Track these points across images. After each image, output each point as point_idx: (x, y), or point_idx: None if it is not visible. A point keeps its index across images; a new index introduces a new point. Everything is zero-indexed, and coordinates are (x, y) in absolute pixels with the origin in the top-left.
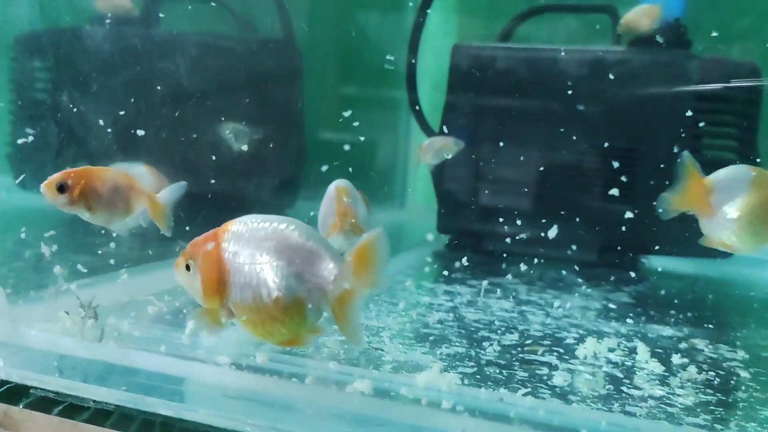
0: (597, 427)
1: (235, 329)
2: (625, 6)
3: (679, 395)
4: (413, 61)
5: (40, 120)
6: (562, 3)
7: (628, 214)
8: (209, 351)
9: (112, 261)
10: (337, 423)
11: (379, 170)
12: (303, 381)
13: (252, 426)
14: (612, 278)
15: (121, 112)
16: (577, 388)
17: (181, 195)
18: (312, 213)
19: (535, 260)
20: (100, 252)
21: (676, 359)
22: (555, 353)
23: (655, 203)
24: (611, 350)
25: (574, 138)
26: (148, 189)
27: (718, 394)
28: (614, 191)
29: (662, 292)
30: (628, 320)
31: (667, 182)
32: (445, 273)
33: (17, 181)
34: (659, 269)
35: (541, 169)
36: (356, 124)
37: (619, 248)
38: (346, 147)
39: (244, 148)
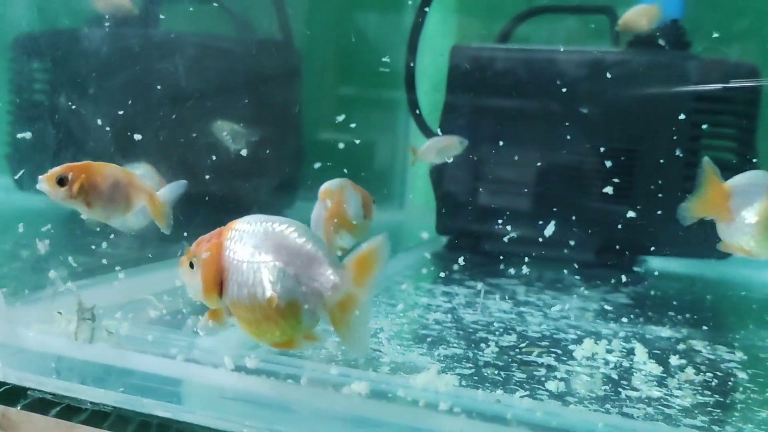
0: (594, 429)
1: (232, 331)
2: (623, 7)
3: (676, 396)
4: (411, 63)
5: (39, 121)
6: (560, 4)
7: (627, 215)
8: (207, 353)
9: (109, 262)
10: (334, 424)
11: (378, 171)
12: (300, 383)
13: (249, 428)
14: (610, 279)
15: (120, 113)
16: (574, 390)
17: (180, 193)
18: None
19: (534, 261)
20: (97, 253)
21: (674, 360)
22: (553, 354)
23: (653, 202)
24: (609, 351)
25: (573, 139)
26: (148, 186)
27: (716, 396)
28: (613, 192)
29: (660, 293)
30: (626, 321)
31: (665, 183)
32: (443, 274)
33: (16, 177)
34: (657, 270)
35: (540, 169)
36: (353, 125)
37: (617, 249)
38: (345, 148)
39: (241, 149)
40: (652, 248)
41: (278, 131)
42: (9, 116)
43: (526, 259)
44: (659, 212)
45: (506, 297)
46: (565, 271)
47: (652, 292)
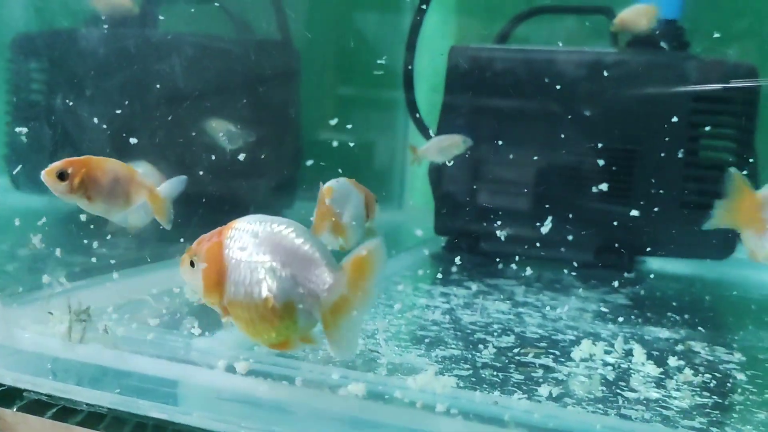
0: (592, 431)
1: (228, 332)
2: (622, 7)
3: (675, 398)
4: (410, 64)
5: (37, 121)
6: (559, 4)
7: (626, 215)
8: (203, 354)
9: (106, 263)
10: (331, 426)
11: (376, 171)
12: (297, 384)
13: (245, 429)
14: (609, 280)
15: (118, 114)
16: (572, 391)
17: (181, 189)
18: (312, 217)
19: (533, 262)
20: (95, 254)
21: (672, 361)
22: (551, 356)
23: (652, 203)
24: (607, 352)
25: (572, 139)
26: (149, 182)
27: (715, 397)
28: (611, 192)
29: (659, 293)
30: (625, 322)
31: (664, 183)
32: (441, 275)
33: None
34: (656, 271)
35: (539, 170)
36: (350, 126)
37: (616, 249)
38: (344, 148)
39: (237, 148)
40: (651, 249)
41: (277, 132)
42: (7, 117)
43: (525, 260)
44: (658, 213)
45: (504, 298)
46: (564, 271)
47: (651, 293)
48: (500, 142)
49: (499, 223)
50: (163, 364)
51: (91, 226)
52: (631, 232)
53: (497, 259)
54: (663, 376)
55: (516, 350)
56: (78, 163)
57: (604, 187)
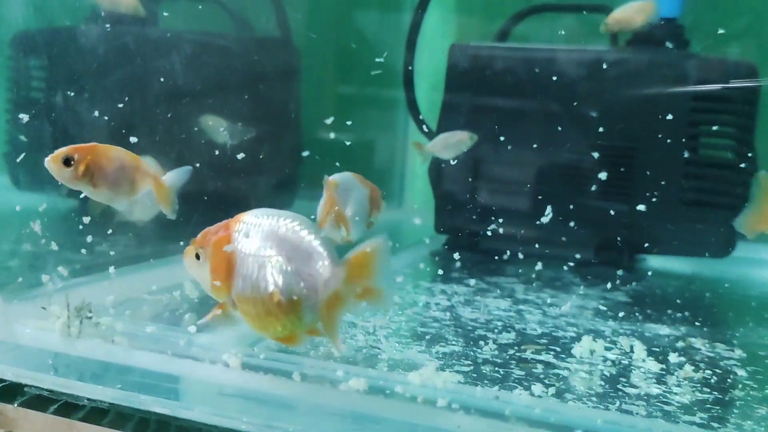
0: (593, 425)
1: (230, 327)
2: (621, 5)
3: (676, 393)
4: (410, 64)
5: (38, 119)
6: (558, 2)
7: (625, 213)
8: (205, 349)
9: (107, 260)
10: (332, 421)
11: (377, 169)
12: (298, 379)
13: (247, 424)
14: (609, 277)
15: (118, 112)
16: (573, 387)
17: (186, 179)
18: (312, 216)
19: (533, 259)
20: (95, 251)
21: (673, 358)
22: (552, 352)
23: (652, 201)
24: (608, 349)
25: (572, 137)
26: (154, 170)
27: (715, 393)
28: (611, 190)
29: (659, 291)
30: (625, 319)
31: (664, 181)
32: (441, 273)
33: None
34: (656, 268)
35: (539, 168)
36: (350, 123)
37: (616, 247)
38: (344, 146)
39: (234, 143)
40: (651, 246)
41: (277, 130)
42: (7, 114)
43: (525, 257)
44: (658, 211)
45: (505, 295)
46: (564, 269)
47: (651, 291)
48: (500, 140)
49: (499, 221)
50: (165, 359)
51: (92, 224)
52: (631, 229)
53: (497, 257)
54: (663, 372)
55: (517, 347)
56: (83, 150)
57: (603, 185)
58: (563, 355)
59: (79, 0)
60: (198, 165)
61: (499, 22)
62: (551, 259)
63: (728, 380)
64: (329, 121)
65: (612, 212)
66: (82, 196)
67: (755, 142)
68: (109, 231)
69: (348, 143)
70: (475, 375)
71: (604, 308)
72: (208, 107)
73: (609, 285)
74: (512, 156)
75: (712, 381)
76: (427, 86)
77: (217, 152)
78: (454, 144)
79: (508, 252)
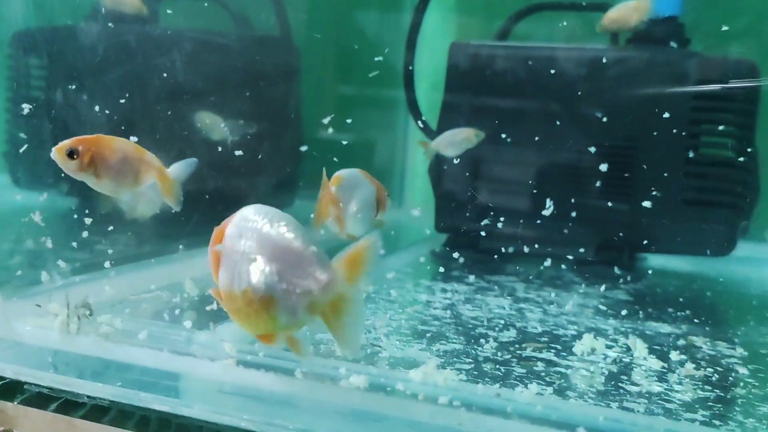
0: (595, 422)
1: (229, 325)
2: (617, 4)
3: (677, 391)
4: (410, 64)
5: (38, 118)
6: (559, 1)
7: (626, 212)
8: (204, 347)
9: (107, 258)
10: (333, 418)
11: (377, 168)
12: (299, 376)
13: (248, 421)
14: (610, 276)
15: (118, 110)
16: (575, 384)
17: (191, 172)
18: (311, 215)
19: (533, 258)
20: (95, 249)
21: (674, 356)
22: (553, 350)
23: (653, 199)
24: (609, 347)
25: (572, 136)
26: (158, 162)
27: (717, 391)
28: (612, 189)
29: (660, 289)
30: (626, 317)
31: (664, 180)
32: (441, 272)
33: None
34: (657, 267)
35: (539, 167)
36: (350, 121)
37: (616, 246)
38: (345, 146)
39: (234, 139)
40: (652, 245)
41: (277, 129)
42: (7, 114)
43: (526, 256)
44: (659, 209)
45: (505, 294)
46: (565, 267)
47: (652, 289)
48: (500, 139)
49: (499, 220)
50: (165, 357)
51: (92, 222)
52: (631, 228)
53: (498, 256)
54: (665, 370)
55: (518, 345)
56: (88, 141)
57: (604, 184)
58: (564, 353)
59: None
60: (198, 165)
61: (499, 22)
62: (552, 257)
63: (729, 378)
64: (327, 120)
65: (612, 211)
66: (82, 195)
67: (756, 141)
68: (110, 228)
69: (348, 142)
70: (476, 373)
71: (605, 307)
72: (207, 106)
73: (610, 283)
74: (513, 155)
75: (714, 379)
76: (427, 86)
77: (217, 151)
78: (459, 141)
79: (509, 251)
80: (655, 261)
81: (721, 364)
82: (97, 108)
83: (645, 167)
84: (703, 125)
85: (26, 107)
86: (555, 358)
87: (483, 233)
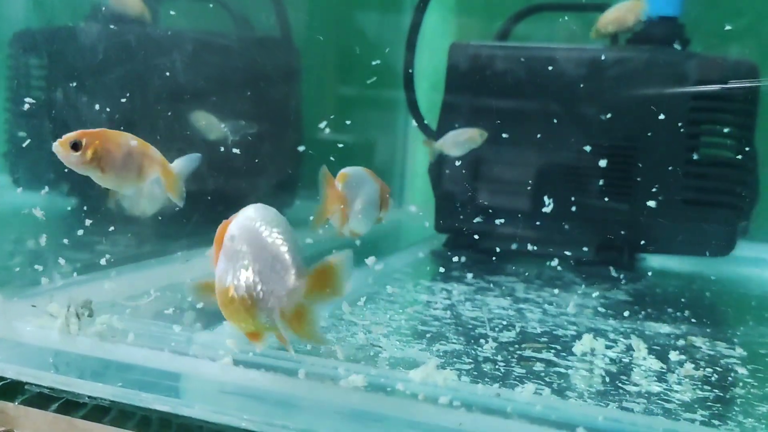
0: (594, 422)
1: (230, 325)
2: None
3: (676, 391)
4: (410, 65)
5: (38, 118)
6: (558, 1)
7: (626, 213)
8: (205, 347)
9: (107, 258)
10: (333, 418)
11: (377, 169)
12: (299, 376)
13: (248, 421)
14: (609, 276)
15: (118, 110)
16: (574, 384)
17: (194, 167)
18: (312, 215)
19: (533, 258)
20: (95, 249)
21: (673, 356)
22: (552, 350)
23: (653, 200)
24: (609, 347)
25: (572, 136)
26: (162, 157)
27: (716, 391)
28: (612, 190)
29: (659, 290)
30: (626, 317)
31: (664, 180)
32: (441, 272)
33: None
34: (657, 268)
35: (539, 168)
36: (350, 123)
37: (616, 247)
38: (345, 146)
39: (235, 138)
40: (652, 246)
41: (277, 129)
42: (7, 114)
43: (526, 257)
44: (658, 210)
45: (505, 294)
46: (564, 268)
47: (651, 290)
48: (501, 139)
49: (499, 220)
50: (165, 357)
51: (93, 222)
52: (631, 228)
53: (497, 256)
54: (664, 371)
55: (517, 345)
56: (92, 135)
57: (603, 184)
58: (564, 353)
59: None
60: (198, 165)
61: (499, 22)
62: (552, 258)
63: (729, 378)
64: (325, 123)
65: (612, 211)
66: (82, 195)
67: (755, 141)
68: (110, 228)
69: (349, 143)
70: (476, 373)
71: (605, 307)
72: (208, 106)
73: (609, 284)
74: (512, 155)
75: (713, 379)
76: (428, 86)
77: (217, 152)
78: (463, 141)
79: (509, 251)
80: (655, 261)
81: (721, 365)
82: (97, 108)
83: (645, 167)
84: (703, 125)
85: (28, 102)
86: (555, 359)
87: (483, 233)
